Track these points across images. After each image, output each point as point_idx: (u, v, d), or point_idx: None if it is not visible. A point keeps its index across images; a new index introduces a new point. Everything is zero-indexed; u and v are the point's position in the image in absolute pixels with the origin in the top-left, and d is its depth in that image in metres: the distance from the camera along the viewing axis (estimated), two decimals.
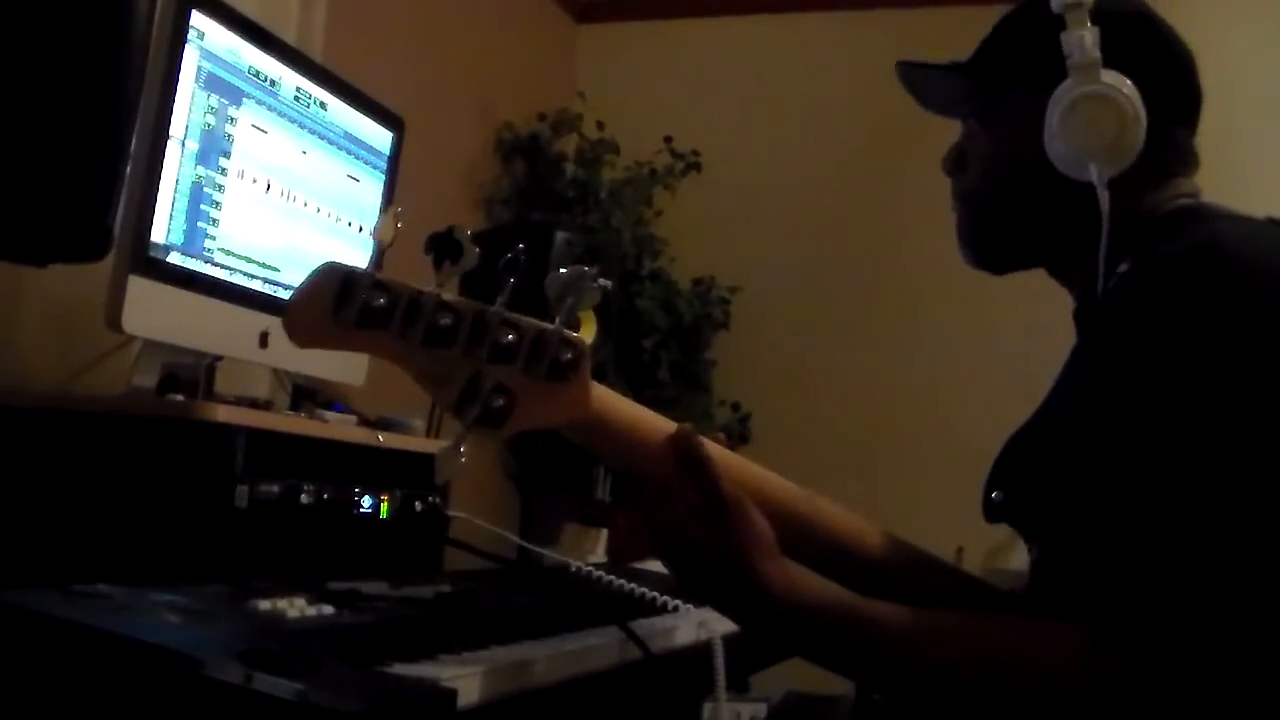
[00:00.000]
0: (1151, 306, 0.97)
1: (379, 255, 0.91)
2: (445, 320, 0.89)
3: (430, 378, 0.91)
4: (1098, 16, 1.07)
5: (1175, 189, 1.13)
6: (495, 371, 0.90)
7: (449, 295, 0.89)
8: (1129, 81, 1.07)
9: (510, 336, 0.90)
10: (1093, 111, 1.07)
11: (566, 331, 0.92)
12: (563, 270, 0.93)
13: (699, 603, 1.04)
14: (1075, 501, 0.97)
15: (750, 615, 1.00)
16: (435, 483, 0.95)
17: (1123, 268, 1.05)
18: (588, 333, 2.17)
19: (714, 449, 1.02)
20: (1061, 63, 1.09)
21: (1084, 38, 1.07)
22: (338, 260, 0.88)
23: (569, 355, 0.92)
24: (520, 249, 0.90)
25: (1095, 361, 1.03)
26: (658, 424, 1.03)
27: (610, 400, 1.00)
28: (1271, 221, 1.09)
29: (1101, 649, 0.89)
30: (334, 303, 0.86)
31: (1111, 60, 1.08)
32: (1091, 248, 1.08)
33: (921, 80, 1.26)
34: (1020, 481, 1.09)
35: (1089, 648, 0.90)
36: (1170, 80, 1.13)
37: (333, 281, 0.86)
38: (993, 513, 1.11)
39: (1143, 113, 1.07)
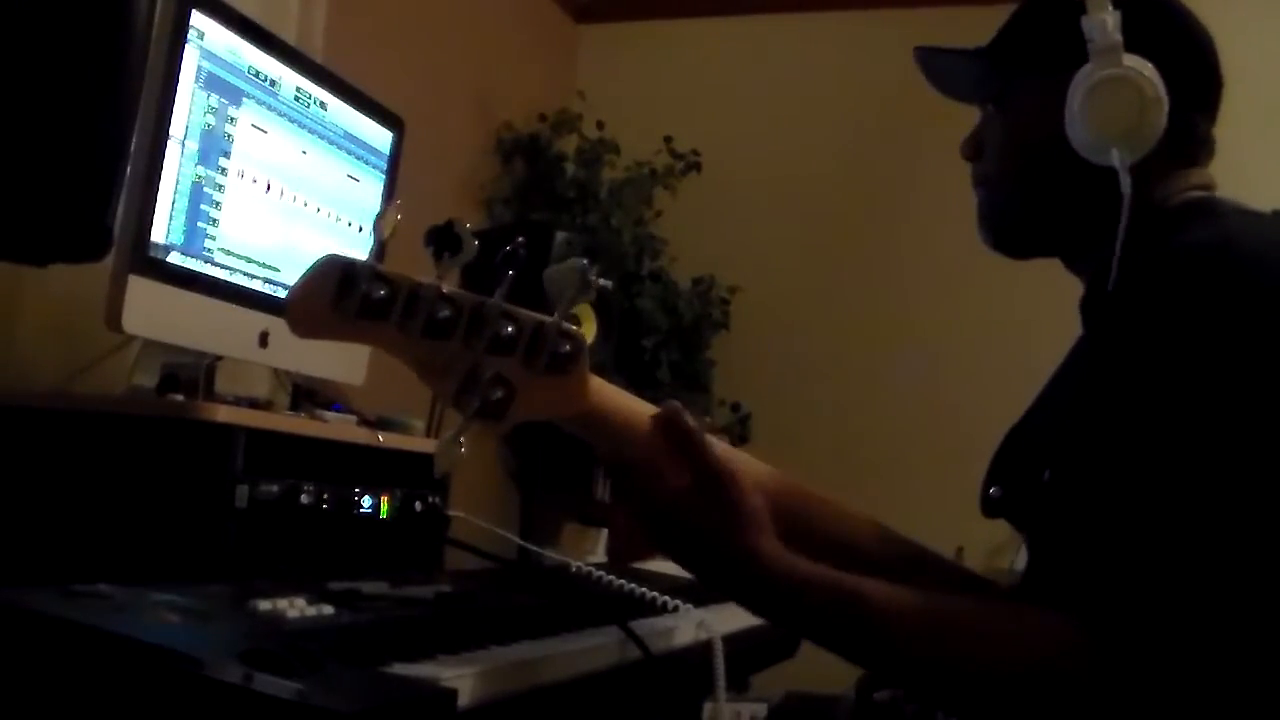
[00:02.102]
0: (1161, 301, 0.97)
1: (380, 249, 0.91)
2: (445, 312, 0.89)
3: (429, 369, 0.92)
4: (1119, 1, 1.07)
5: (1188, 179, 1.12)
6: (494, 363, 0.90)
7: (449, 287, 0.89)
8: (1151, 65, 1.07)
9: (509, 328, 0.90)
10: (1114, 95, 1.06)
11: (565, 324, 0.92)
12: (560, 264, 0.93)
13: (694, 576, 1.04)
14: (1073, 493, 0.97)
15: (744, 588, 0.99)
16: (435, 475, 0.95)
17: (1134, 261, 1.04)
18: (588, 331, 2.17)
19: (707, 438, 1.02)
20: (1081, 48, 1.08)
21: (1105, 21, 1.06)
22: (339, 252, 0.88)
23: (567, 347, 0.92)
24: (520, 242, 0.91)
25: (1102, 355, 1.02)
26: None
27: (608, 392, 1.01)
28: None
29: (1092, 638, 0.89)
30: (335, 294, 0.86)
31: (1132, 45, 1.07)
32: (1105, 235, 1.07)
33: (939, 66, 1.26)
34: (1019, 476, 1.09)
35: (1080, 636, 0.90)
36: (1191, 66, 1.13)
37: (333, 273, 0.87)
38: (990, 508, 1.11)
39: (1165, 97, 1.06)
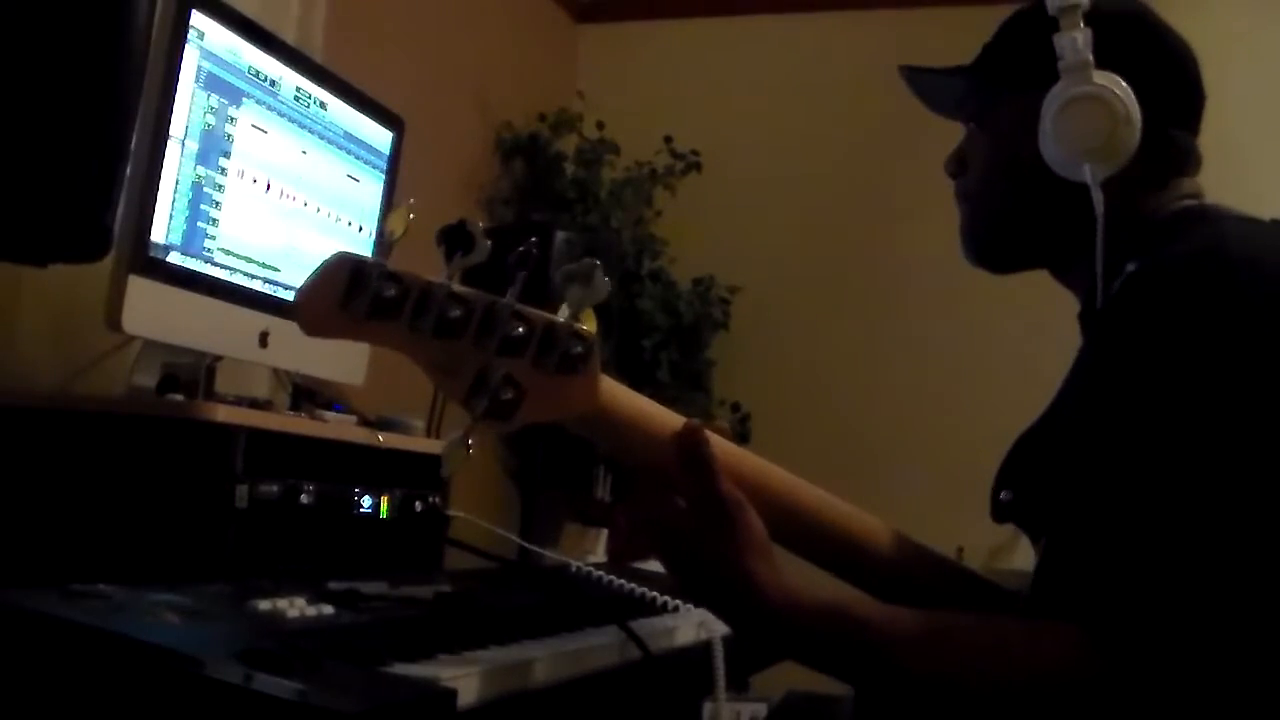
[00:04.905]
0: (1156, 309, 0.97)
1: (388, 249, 0.91)
2: (456, 312, 0.88)
3: (439, 369, 0.91)
4: (1093, 18, 1.08)
5: (1177, 190, 1.13)
6: (504, 364, 0.90)
7: (460, 287, 0.89)
8: (1123, 82, 1.07)
9: (520, 329, 0.90)
10: (1084, 112, 1.07)
11: (576, 325, 0.92)
12: (574, 264, 0.93)
13: (692, 600, 1.04)
14: (1077, 502, 0.97)
15: (740, 615, 0.99)
16: (442, 475, 0.95)
17: (1130, 268, 1.04)
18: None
19: (719, 443, 1.02)
20: (1055, 66, 1.09)
21: (1075, 39, 1.08)
22: (349, 251, 0.88)
23: (579, 348, 0.92)
24: (533, 241, 0.90)
25: (1100, 364, 1.03)
26: (664, 418, 1.03)
27: (618, 393, 1.00)
28: (1277, 223, 1.09)
29: (1098, 649, 0.89)
30: (344, 293, 0.86)
31: (1106, 61, 1.08)
32: (1092, 249, 1.08)
33: (924, 83, 1.27)
34: (1029, 481, 1.09)
35: (1086, 648, 0.90)
36: (1167, 80, 1.13)
37: (343, 271, 0.86)
38: (1000, 512, 1.11)
39: (1136, 113, 1.07)
